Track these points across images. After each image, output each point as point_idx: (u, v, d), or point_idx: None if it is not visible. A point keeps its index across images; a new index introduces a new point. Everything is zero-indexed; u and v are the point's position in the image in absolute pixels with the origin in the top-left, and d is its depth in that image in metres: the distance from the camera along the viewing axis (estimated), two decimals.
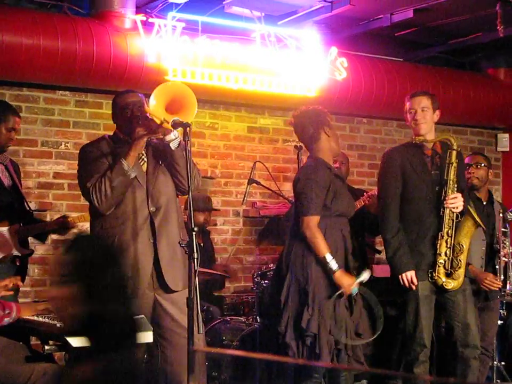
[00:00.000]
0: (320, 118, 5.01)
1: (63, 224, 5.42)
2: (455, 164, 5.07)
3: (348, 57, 7.40)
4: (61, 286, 2.67)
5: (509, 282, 5.78)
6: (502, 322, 6.16)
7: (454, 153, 5.08)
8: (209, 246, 7.04)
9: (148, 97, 4.48)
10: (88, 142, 4.88)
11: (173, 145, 4.47)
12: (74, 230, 5.55)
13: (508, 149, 9.19)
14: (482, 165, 6.08)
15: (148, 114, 4.46)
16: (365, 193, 6.48)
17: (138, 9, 6.77)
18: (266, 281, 6.01)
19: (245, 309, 6.67)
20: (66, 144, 6.83)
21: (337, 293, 4.70)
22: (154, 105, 4.40)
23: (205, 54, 6.70)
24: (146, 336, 3.83)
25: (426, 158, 5.18)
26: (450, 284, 5.04)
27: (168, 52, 6.54)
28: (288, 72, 7.09)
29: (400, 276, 5.01)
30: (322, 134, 4.98)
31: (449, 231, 5.04)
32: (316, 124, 4.98)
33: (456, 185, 5.07)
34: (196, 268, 3.92)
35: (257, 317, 5.99)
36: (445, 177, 5.07)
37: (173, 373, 4.54)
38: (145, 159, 4.61)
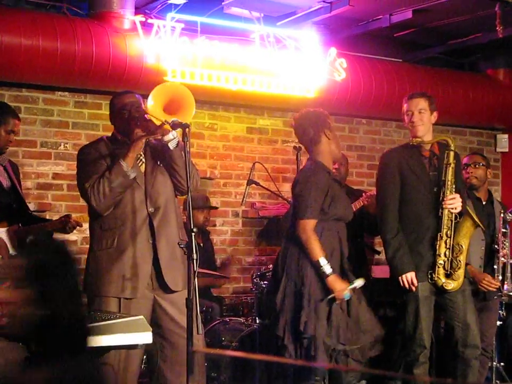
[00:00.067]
0: (321, 120, 5.00)
1: (63, 224, 5.41)
2: (452, 165, 5.07)
3: (347, 58, 7.40)
4: (13, 290, 2.66)
5: (506, 283, 5.78)
6: (501, 323, 6.16)
7: (452, 153, 5.09)
8: (209, 246, 7.04)
9: (147, 98, 4.48)
10: (87, 143, 4.88)
11: (171, 145, 4.47)
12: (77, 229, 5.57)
13: (507, 150, 9.19)
14: (481, 164, 6.09)
15: (146, 115, 4.46)
16: (363, 194, 6.48)
17: (138, 10, 6.77)
18: (265, 282, 6.01)
19: (244, 309, 6.67)
20: (66, 145, 6.83)
21: (329, 297, 4.71)
22: (152, 106, 4.40)
23: (204, 55, 6.70)
24: (146, 337, 3.82)
25: (424, 159, 5.18)
26: (450, 285, 5.04)
27: (167, 53, 6.54)
28: (287, 73, 7.09)
29: (400, 277, 5.02)
30: (323, 137, 4.98)
31: (448, 232, 5.05)
32: (316, 126, 4.98)
33: (454, 186, 5.08)
34: (195, 269, 3.92)
35: (257, 318, 5.99)
36: (443, 178, 5.07)
37: (172, 374, 4.54)
38: (143, 159, 4.61)
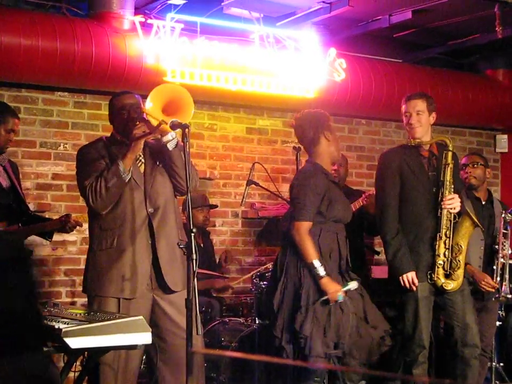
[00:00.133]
0: (321, 122, 5.01)
1: (63, 224, 5.41)
2: (451, 165, 5.08)
3: (347, 58, 7.39)
4: None
5: (505, 284, 5.79)
6: (500, 323, 6.16)
7: (450, 154, 5.09)
8: (209, 246, 7.04)
9: (146, 98, 4.48)
10: (86, 143, 4.88)
11: (170, 146, 4.48)
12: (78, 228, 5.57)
13: (506, 150, 9.19)
14: (479, 164, 6.09)
15: (145, 116, 4.46)
16: (363, 194, 6.48)
17: (137, 10, 6.77)
18: (265, 283, 6.01)
19: (243, 310, 6.67)
20: (65, 145, 6.83)
21: (322, 298, 4.71)
22: (151, 108, 4.40)
23: (203, 55, 6.70)
24: (145, 337, 3.82)
25: (423, 159, 5.19)
26: (450, 285, 5.04)
27: (167, 53, 6.54)
28: (287, 73, 7.09)
29: (401, 277, 5.02)
30: (322, 139, 4.99)
31: (447, 232, 5.05)
32: (316, 127, 4.98)
33: (452, 186, 5.08)
34: (194, 269, 3.92)
35: (256, 318, 5.99)
36: (442, 178, 5.08)
37: (171, 374, 4.55)
38: (143, 160, 4.61)
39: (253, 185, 6.66)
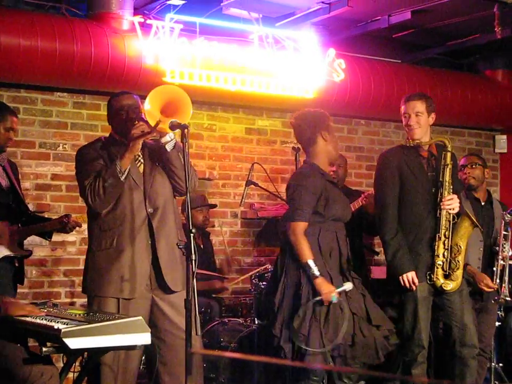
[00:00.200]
0: (318, 121, 5.00)
1: (63, 224, 5.41)
2: (450, 166, 5.08)
3: (346, 59, 7.40)
4: None
5: (504, 287, 5.78)
6: (499, 323, 6.16)
7: (449, 154, 5.09)
8: (209, 247, 7.04)
9: (145, 98, 4.48)
10: (85, 144, 4.88)
11: (169, 147, 4.49)
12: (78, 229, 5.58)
13: (505, 151, 9.20)
14: (478, 164, 6.09)
15: (143, 116, 4.46)
16: (362, 194, 6.48)
17: (136, 10, 6.77)
18: (264, 283, 6.01)
19: (242, 310, 6.67)
20: (64, 146, 6.83)
21: (315, 299, 4.72)
22: (150, 109, 4.40)
23: (203, 56, 6.70)
24: (144, 338, 3.82)
25: (422, 160, 5.18)
26: (449, 285, 5.04)
27: (166, 54, 6.55)
28: (286, 74, 7.09)
29: (401, 277, 5.02)
30: (319, 138, 4.98)
31: (446, 233, 5.05)
32: (313, 127, 4.98)
33: (451, 187, 5.08)
34: (194, 270, 3.92)
35: (255, 319, 5.99)
36: (441, 179, 5.08)
37: (170, 375, 4.55)
38: (142, 160, 4.61)
39: (252, 186, 6.66)
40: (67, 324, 3.68)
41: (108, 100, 4.78)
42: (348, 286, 4.81)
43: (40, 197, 6.72)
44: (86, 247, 4.72)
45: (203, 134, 7.51)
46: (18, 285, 5.58)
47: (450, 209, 5.04)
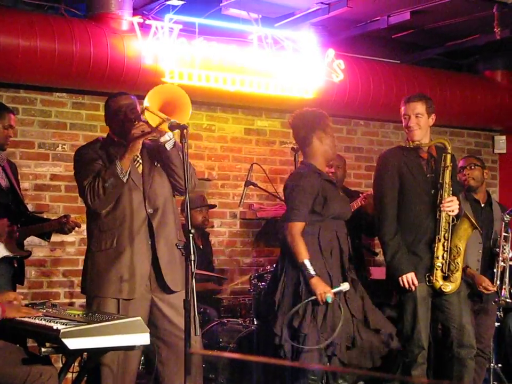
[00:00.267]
0: (314, 122, 5.00)
1: (62, 225, 5.41)
2: (450, 168, 5.07)
3: (345, 59, 7.40)
4: None
5: (504, 288, 5.78)
6: (498, 324, 6.16)
7: (449, 156, 5.08)
8: (208, 248, 7.04)
9: (144, 99, 4.47)
10: (83, 144, 4.86)
11: (168, 146, 4.49)
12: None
13: (505, 151, 9.20)
14: (477, 165, 6.09)
15: (142, 116, 4.46)
16: (360, 194, 6.48)
17: (136, 11, 6.76)
18: (263, 283, 6.01)
19: (241, 311, 6.66)
20: (63, 146, 6.82)
21: (310, 299, 4.73)
22: (151, 108, 4.39)
23: (202, 56, 6.70)
24: (143, 338, 3.82)
25: (422, 161, 5.18)
26: (448, 287, 5.04)
27: (165, 54, 6.54)
28: (285, 74, 7.09)
29: (400, 278, 5.01)
30: (314, 139, 4.99)
31: (446, 234, 5.05)
32: (308, 127, 4.99)
33: (451, 189, 5.08)
34: (193, 270, 3.91)
35: (254, 319, 5.99)
36: (440, 181, 5.07)
37: (169, 375, 4.54)
38: (140, 161, 4.60)
39: (251, 186, 6.66)
40: (66, 324, 3.68)
41: (105, 101, 4.77)
42: (345, 286, 4.81)
43: (39, 197, 6.71)
44: (85, 247, 4.71)
45: (202, 134, 7.51)
46: (18, 285, 5.58)
47: (450, 211, 5.03)
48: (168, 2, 6.70)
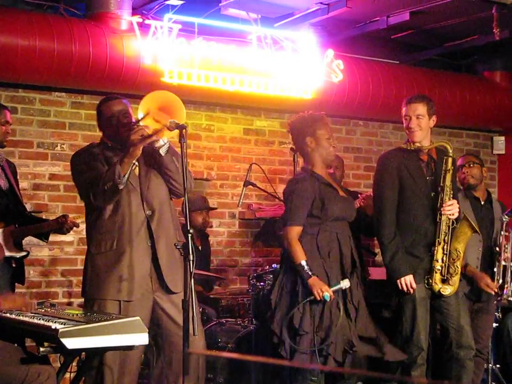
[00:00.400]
0: (304, 128, 5.03)
1: (60, 224, 5.41)
2: (451, 171, 5.06)
3: (344, 60, 7.40)
4: None
5: (507, 287, 5.78)
6: (497, 325, 6.16)
7: (450, 160, 5.07)
8: (206, 248, 7.03)
9: (142, 99, 4.47)
10: (78, 149, 4.82)
11: (162, 152, 4.48)
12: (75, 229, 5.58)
13: (503, 152, 9.21)
14: (475, 163, 6.09)
15: (134, 120, 4.46)
16: (359, 195, 6.47)
17: (135, 10, 6.76)
18: (262, 283, 6.01)
19: (240, 311, 6.66)
20: (62, 146, 6.82)
21: (308, 298, 4.75)
22: (144, 117, 4.39)
23: (201, 56, 6.70)
24: (142, 338, 3.82)
25: (422, 163, 5.17)
26: (447, 290, 5.03)
27: (164, 54, 6.54)
28: (284, 74, 7.09)
29: (398, 280, 5.01)
30: (308, 144, 5.03)
31: (445, 237, 5.04)
32: (300, 133, 5.06)
33: (452, 192, 5.07)
34: (191, 270, 3.91)
35: (253, 319, 5.99)
36: (441, 184, 5.05)
37: (172, 374, 4.54)
38: (136, 163, 4.56)
39: (250, 186, 6.65)
40: (64, 324, 3.68)
41: (97, 105, 4.73)
42: (345, 283, 4.82)
43: (37, 196, 6.71)
44: (84, 247, 4.71)
45: (201, 134, 7.51)
46: (18, 285, 5.59)
47: (450, 214, 5.03)
48: (167, 2, 6.70)
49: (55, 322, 3.74)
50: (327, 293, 4.71)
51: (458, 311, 5.10)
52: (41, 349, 3.76)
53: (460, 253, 5.07)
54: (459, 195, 5.42)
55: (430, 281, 5.02)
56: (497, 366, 6.31)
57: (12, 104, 6.46)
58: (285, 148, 7.78)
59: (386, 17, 7.06)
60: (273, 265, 6.06)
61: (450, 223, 5.05)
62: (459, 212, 5.09)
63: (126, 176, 4.38)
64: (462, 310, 5.13)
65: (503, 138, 9.19)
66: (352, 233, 5.16)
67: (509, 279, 5.80)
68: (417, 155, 5.16)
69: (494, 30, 6.88)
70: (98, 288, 4.47)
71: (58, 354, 4.16)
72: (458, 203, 5.12)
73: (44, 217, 6.22)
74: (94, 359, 4.23)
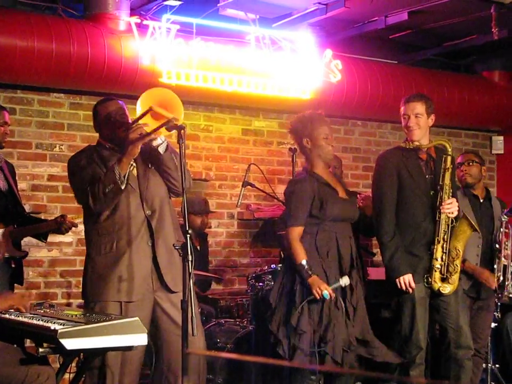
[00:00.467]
0: (301, 128, 5.05)
1: (59, 225, 5.40)
2: (450, 169, 5.06)
3: (343, 60, 7.40)
4: None
5: (508, 285, 5.78)
6: (496, 324, 6.15)
7: (449, 158, 5.07)
8: (205, 249, 7.04)
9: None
10: (75, 153, 4.82)
11: (161, 149, 4.48)
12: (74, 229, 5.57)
13: (502, 152, 9.21)
14: (474, 162, 6.09)
15: (130, 120, 4.46)
16: (358, 196, 6.47)
17: (133, 11, 6.76)
18: (260, 284, 6.01)
19: (239, 311, 6.66)
20: (61, 147, 6.82)
21: (308, 298, 4.77)
22: (144, 112, 4.39)
23: (199, 56, 6.70)
24: (141, 339, 3.81)
25: (421, 162, 5.17)
26: (447, 289, 5.04)
27: (163, 54, 6.54)
28: (283, 75, 7.09)
29: (397, 280, 5.01)
30: (305, 144, 5.05)
31: (445, 236, 5.04)
32: (299, 134, 5.08)
33: (451, 190, 5.07)
34: (190, 270, 3.91)
35: (252, 320, 5.98)
36: (440, 183, 5.05)
37: (172, 375, 4.54)
38: (134, 164, 4.54)
39: (249, 187, 6.64)
40: (64, 325, 3.67)
41: (93, 107, 4.74)
42: (344, 281, 4.83)
43: (36, 197, 6.71)
44: (83, 248, 4.71)
45: (199, 134, 7.51)
46: (18, 286, 5.58)
47: (449, 213, 5.03)
48: (165, 3, 6.70)
49: (54, 323, 3.73)
50: (326, 291, 4.73)
51: (457, 311, 5.10)
52: (41, 350, 3.75)
53: (459, 251, 5.08)
54: (458, 193, 5.41)
55: (430, 279, 5.03)
56: (497, 365, 6.30)
57: (10, 105, 6.46)
58: (283, 148, 7.78)
59: (384, 17, 7.06)
60: (272, 266, 6.06)
61: (450, 221, 5.05)
62: (458, 210, 5.10)
63: (126, 177, 4.38)
64: (461, 310, 5.13)
65: (501, 138, 9.19)
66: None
67: (509, 276, 5.80)
68: (416, 154, 5.16)
69: (492, 30, 6.88)
70: (99, 290, 4.46)
71: (58, 355, 4.16)
72: (457, 201, 5.13)
73: (42, 218, 6.22)
74: (94, 359, 4.23)
